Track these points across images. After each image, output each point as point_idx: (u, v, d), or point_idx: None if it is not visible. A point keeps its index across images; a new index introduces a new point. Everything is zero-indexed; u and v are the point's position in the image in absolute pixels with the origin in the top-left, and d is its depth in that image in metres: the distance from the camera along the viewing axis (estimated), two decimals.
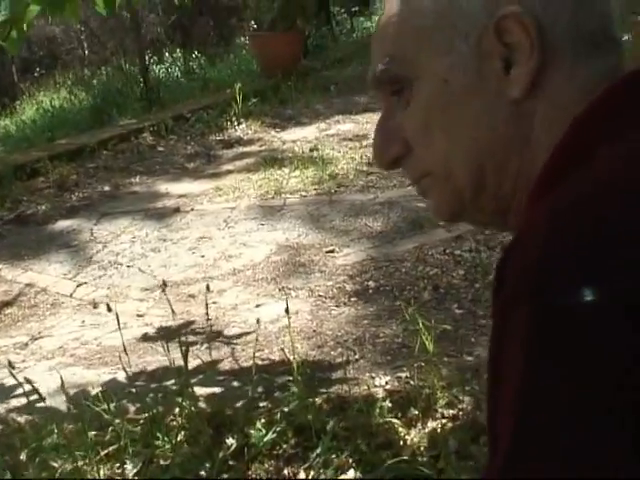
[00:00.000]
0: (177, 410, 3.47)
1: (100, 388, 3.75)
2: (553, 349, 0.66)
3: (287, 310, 3.48)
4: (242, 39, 12.76)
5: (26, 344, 4.53)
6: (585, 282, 0.66)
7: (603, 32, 0.88)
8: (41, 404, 3.36)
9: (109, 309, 3.48)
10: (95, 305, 4.93)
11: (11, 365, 3.08)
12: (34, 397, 3.27)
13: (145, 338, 4.41)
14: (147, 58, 10.57)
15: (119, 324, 3.60)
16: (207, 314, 4.09)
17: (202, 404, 3.56)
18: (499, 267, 0.78)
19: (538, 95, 0.86)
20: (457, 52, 0.89)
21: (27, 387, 3.25)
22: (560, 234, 0.71)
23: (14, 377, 3.19)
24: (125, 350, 3.69)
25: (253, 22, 10.83)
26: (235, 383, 3.82)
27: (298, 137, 7.92)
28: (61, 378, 3.27)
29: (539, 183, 0.84)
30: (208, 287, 4.26)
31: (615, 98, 0.83)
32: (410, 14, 0.92)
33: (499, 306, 0.75)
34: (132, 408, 3.60)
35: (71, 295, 5.12)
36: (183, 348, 3.46)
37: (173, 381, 3.76)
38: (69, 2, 2.85)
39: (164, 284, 4.43)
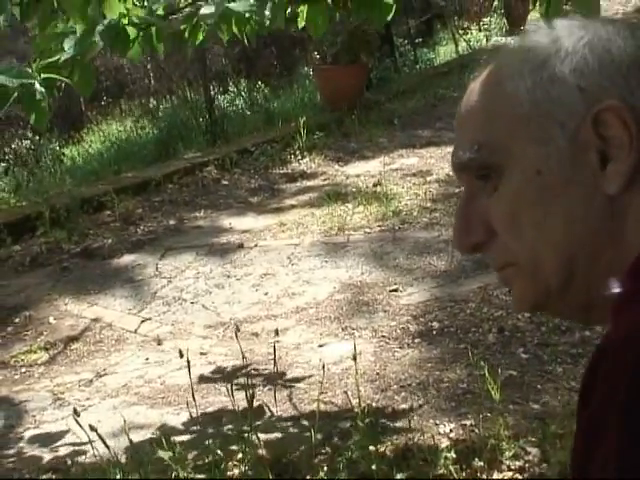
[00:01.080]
0: (239, 456, 3.46)
1: (162, 430, 3.76)
2: None
3: (355, 357, 3.45)
4: (305, 69, 12.84)
5: (91, 381, 4.57)
6: None
7: None
8: (103, 448, 3.38)
9: (181, 355, 3.48)
10: (159, 342, 4.96)
11: (76, 413, 3.08)
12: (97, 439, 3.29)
13: (208, 378, 4.41)
14: (212, 90, 10.67)
15: (189, 366, 3.60)
16: (273, 358, 4.08)
17: (263, 450, 3.54)
18: (586, 381, 0.77)
19: (634, 191, 0.84)
20: (552, 143, 0.87)
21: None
22: None
23: (79, 425, 3.20)
24: (190, 391, 3.70)
25: (316, 53, 10.87)
26: (297, 428, 3.80)
27: (361, 171, 7.91)
28: (124, 422, 3.27)
29: (628, 284, 0.81)
30: (277, 332, 4.25)
31: None
32: (504, 101, 0.91)
33: (587, 423, 0.75)
34: (194, 452, 3.59)
35: (136, 331, 5.16)
36: (248, 392, 3.46)
37: (235, 425, 3.75)
38: (134, 45, 2.89)
39: (236, 327, 4.43)
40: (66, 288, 5.87)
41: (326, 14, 3.16)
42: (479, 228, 0.93)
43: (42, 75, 2.44)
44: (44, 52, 2.63)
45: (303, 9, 3.20)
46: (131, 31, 2.65)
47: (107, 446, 3.19)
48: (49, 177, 8.31)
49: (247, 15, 2.94)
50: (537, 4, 2.89)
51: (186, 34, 3.22)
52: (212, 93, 10.57)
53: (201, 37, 3.22)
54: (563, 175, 0.86)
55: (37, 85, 2.36)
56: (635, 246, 0.83)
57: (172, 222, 7.01)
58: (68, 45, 2.48)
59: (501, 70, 0.92)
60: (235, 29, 3.01)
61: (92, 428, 2.96)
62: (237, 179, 8.04)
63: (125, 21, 2.60)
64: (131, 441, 3.35)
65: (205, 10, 2.77)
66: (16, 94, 2.43)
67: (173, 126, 9.79)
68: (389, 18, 3.05)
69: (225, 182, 7.98)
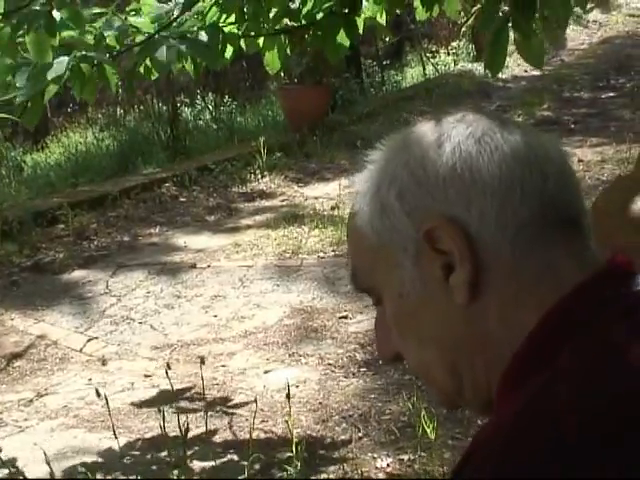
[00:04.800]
0: None
1: (98, 456, 3.72)
2: None
3: (288, 395, 3.43)
4: (275, 84, 12.83)
5: (31, 400, 4.51)
6: None
7: (546, 219, 0.87)
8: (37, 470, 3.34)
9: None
10: (104, 362, 4.91)
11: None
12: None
13: (150, 402, 4.37)
14: (178, 103, 10.62)
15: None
16: (203, 382, 4.06)
17: (197, 478, 3.51)
18: (459, 463, 0.80)
19: (484, 294, 0.86)
20: (402, 267, 0.90)
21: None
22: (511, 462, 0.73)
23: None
24: (130, 415, 3.66)
25: (282, 74, 10.87)
26: (234, 456, 3.78)
27: (320, 193, 7.91)
28: (45, 455, 3.21)
29: (502, 381, 0.85)
30: (203, 360, 4.21)
31: (565, 312, 0.83)
32: (356, 234, 0.95)
33: None
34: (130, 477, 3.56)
35: (81, 350, 5.11)
36: (182, 420, 3.43)
37: (168, 452, 3.71)
38: (88, 84, 2.86)
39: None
40: (14, 303, 5.80)
41: (282, 49, 3.17)
42: (393, 339, 0.96)
43: None
44: None
45: (259, 43, 3.22)
46: (85, 69, 2.61)
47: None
48: (5, 187, 8.21)
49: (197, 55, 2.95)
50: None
51: (141, 69, 3.21)
52: (178, 105, 10.52)
53: (156, 74, 3.20)
54: (419, 295, 0.89)
55: None
56: (504, 347, 0.85)
57: (126, 238, 6.97)
58: (20, 81, 2.44)
59: (354, 202, 0.96)
60: (187, 67, 3.03)
61: (11, 464, 2.90)
62: (195, 197, 8.01)
63: (78, 58, 2.56)
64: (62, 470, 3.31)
65: (159, 54, 2.77)
66: None
67: (134, 140, 9.73)
68: (342, 56, 3.07)
69: (183, 199, 7.95)
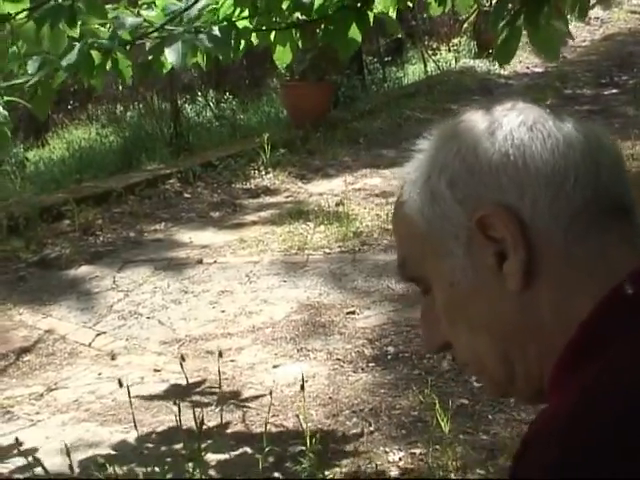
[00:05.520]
0: (187, 477, 3.45)
1: (110, 449, 3.74)
2: None
3: (302, 386, 3.44)
4: (275, 81, 12.82)
5: (41, 395, 4.52)
6: None
7: (599, 207, 0.88)
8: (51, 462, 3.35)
9: (120, 384, 3.45)
10: (113, 357, 4.92)
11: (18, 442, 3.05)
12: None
13: (161, 396, 4.39)
14: (179, 100, 10.62)
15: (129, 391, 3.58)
16: (220, 376, 4.07)
17: (212, 471, 3.53)
18: (517, 458, 0.81)
19: (537, 282, 0.87)
20: (453, 255, 0.91)
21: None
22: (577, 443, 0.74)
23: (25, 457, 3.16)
24: (141, 409, 3.68)
25: (285, 70, 10.87)
26: (247, 449, 3.79)
27: (324, 190, 7.91)
28: (66, 446, 3.23)
29: (555, 371, 0.86)
30: (221, 354, 4.21)
31: (618, 300, 0.83)
32: (406, 222, 0.96)
33: None
34: (141, 473, 3.57)
35: (90, 344, 5.12)
36: (197, 413, 3.44)
37: (183, 444, 3.73)
38: (98, 70, 2.87)
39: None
40: (21, 298, 5.81)
41: (294, 44, 3.18)
42: (440, 334, 0.97)
43: (4, 98, 2.41)
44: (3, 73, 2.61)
45: (270, 37, 3.23)
46: (96, 56, 2.63)
47: (46, 470, 3.15)
48: (10, 183, 8.21)
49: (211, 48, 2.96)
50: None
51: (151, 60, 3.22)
52: (180, 103, 10.52)
53: (169, 67, 3.22)
54: (471, 283, 0.90)
55: (0, 108, 2.34)
56: (557, 335, 0.85)
57: (132, 234, 6.97)
58: (32, 68, 2.45)
59: (402, 189, 0.97)
60: (200, 59, 3.04)
61: (36, 460, 2.92)
62: (199, 193, 8.01)
63: (89, 45, 2.57)
64: (78, 460, 3.32)
65: (173, 48, 2.78)
66: None
67: (137, 136, 9.73)
68: (353, 51, 3.08)
69: (187, 195, 7.95)
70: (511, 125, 0.90)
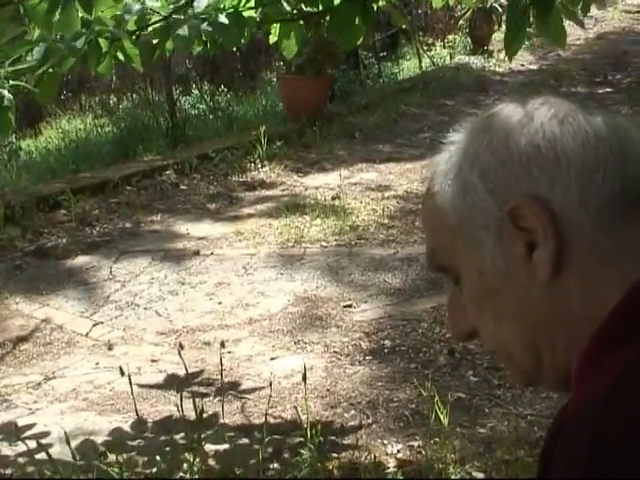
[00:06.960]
0: (186, 466, 3.46)
1: (109, 437, 3.75)
2: None
3: (304, 377, 3.46)
4: (269, 75, 12.80)
5: (39, 384, 4.53)
6: None
7: (627, 198, 0.89)
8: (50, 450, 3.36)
9: (122, 373, 3.46)
10: (110, 347, 4.93)
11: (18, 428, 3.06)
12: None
13: (158, 386, 4.40)
14: (174, 91, 10.60)
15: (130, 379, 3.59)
16: (221, 366, 4.08)
17: (211, 461, 3.55)
18: (548, 442, 0.81)
19: (566, 272, 0.88)
20: (483, 245, 0.92)
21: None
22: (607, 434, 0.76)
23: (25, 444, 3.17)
24: (139, 399, 3.69)
25: (282, 63, 10.88)
26: (246, 440, 3.81)
27: (320, 183, 7.92)
28: (65, 434, 3.24)
29: (582, 360, 0.87)
30: (223, 344, 4.22)
31: None
32: (436, 213, 0.97)
33: None
34: (140, 461, 3.58)
35: (87, 334, 5.12)
36: (197, 404, 3.46)
37: (183, 434, 3.75)
38: (105, 59, 2.88)
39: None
40: (18, 287, 5.81)
41: (299, 34, 3.19)
42: (467, 322, 0.99)
43: (10, 82, 2.42)
44: (10, 58, 2.61)
45: (276, 26, 3.23)
46: (103, 43, 2.64)
47: (50, 456, 3.16)
48: (5, 172, 8.20)
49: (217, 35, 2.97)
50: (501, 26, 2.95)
51: (155, 41, 3.22)
52: (175, 96, 10.51)
53: (170, 47, 3.23)
54: (500, 272, 0.92)
55: (5, 92, 2.34)
56: (584, 324, 0.87)
57: (128, 225, 6.97)
58: (38, 54, 2.46)
59: (432, 181, 0.98)
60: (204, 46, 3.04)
61: (39, 444, 2.93)
62: (196, 185, 8.01)
63: (96, 32, 2.58)
64: (77, 449, 3.33)
65: (180, 31, 2.78)
66: None
67: (134, 127, 9.71)
68: (359, 42, 3.09)
69: (184, 187, 7.95)
70: (542, 118, 0.92)
